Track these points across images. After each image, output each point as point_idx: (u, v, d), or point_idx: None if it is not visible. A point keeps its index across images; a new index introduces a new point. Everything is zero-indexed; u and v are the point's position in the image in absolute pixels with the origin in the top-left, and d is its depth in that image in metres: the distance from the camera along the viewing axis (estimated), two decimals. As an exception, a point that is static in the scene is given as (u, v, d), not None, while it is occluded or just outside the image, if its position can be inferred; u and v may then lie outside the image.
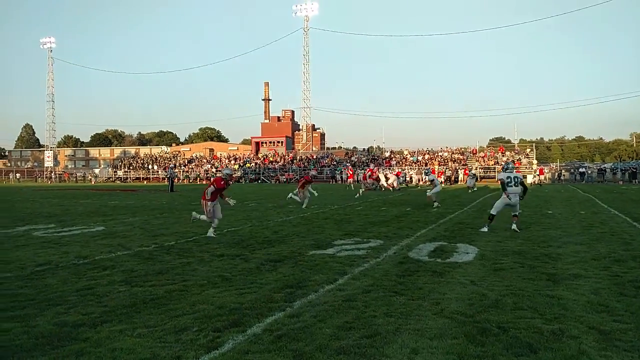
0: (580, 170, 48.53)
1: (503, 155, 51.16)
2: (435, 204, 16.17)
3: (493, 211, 10.35)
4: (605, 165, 61.83)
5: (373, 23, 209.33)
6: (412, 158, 54.37)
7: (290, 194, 17.86)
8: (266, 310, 4.70)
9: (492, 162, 49.43)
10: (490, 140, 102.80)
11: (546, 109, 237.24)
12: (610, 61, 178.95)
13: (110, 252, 7.93)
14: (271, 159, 62.35)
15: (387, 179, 31.41)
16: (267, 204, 18.99)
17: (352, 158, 58.31)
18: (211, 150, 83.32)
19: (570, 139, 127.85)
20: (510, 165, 10.79)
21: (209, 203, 9.48)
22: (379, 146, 69.22)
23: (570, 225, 11.38)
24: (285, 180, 52.74)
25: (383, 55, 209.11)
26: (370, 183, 28.75)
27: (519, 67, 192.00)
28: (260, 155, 66.35)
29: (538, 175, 42.63)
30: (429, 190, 17.12)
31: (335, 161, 57.40)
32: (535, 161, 50.26)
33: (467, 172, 40.85)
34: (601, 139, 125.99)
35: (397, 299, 5.08)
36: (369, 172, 26.89)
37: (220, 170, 11.32)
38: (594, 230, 10.21)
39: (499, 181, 10.57)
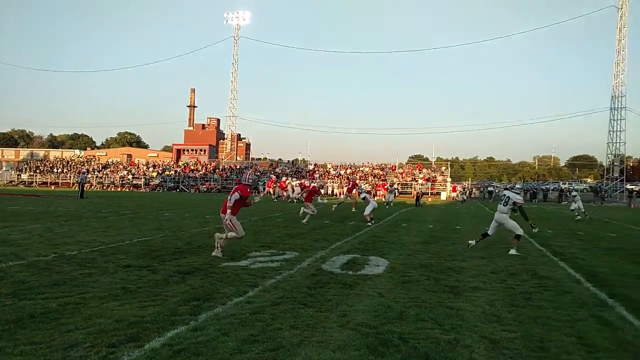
0: (489, 189, 51.83)
1: (420, 172, 53.47)
2: (371, 222, 15.61)
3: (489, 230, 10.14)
4: (511, 185, 66.51)
5: (305, 37, 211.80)
6: (334, 172, 55.32)
7: (303, 210, 15.93)
8: (169, 323, 4.52)
9: (410, 179, 51.46)
10: (409, 157, 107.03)
11: (462, 130, 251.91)
12: (519, 89, 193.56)
13: (0, 262, 7.27)
14: (192, 167, 60.71)
15: (293, 190, 31.27)
16: (184, 213, 18.43)
17: (277, 169, 58.24)
18: (129, 156, 79.60)
19: (482, 159, 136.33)
20: (516, 186, 10.83)
21: (232, 216, 8.33)
22: (304, 159, 69.78)
23: (476, 240, 12.04)
24: (205, 189, 51.53)
25: (313, 69, 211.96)
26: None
27: (439, 88, 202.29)
28: (180, 163, 64.38)
29: (464, 192, 44.54)
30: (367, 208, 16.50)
31: (259, 172, 57.03)
32: (449, 179, 53.00)
33: (385, 187, 42.16)
34: (509, 160, 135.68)
35: (305, 311, 5.10)
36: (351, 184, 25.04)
37: (242, 176, 9.24)
38: (496, 246, 10.87)
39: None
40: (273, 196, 31.27)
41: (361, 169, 56.11)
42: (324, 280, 6.59)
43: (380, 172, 54.21)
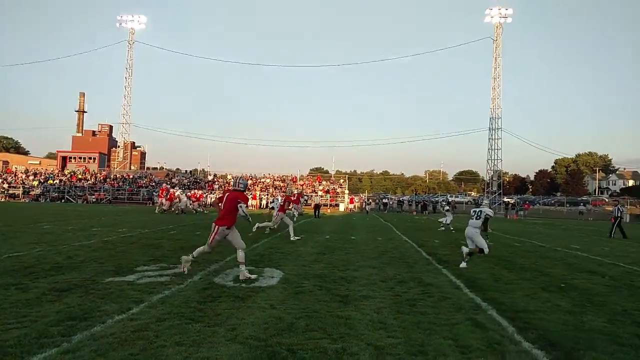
0: (384, 201, 54.18)
1: (320, 184, 54.53)
2: (268, 230, 15.89)
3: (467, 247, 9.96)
4: (404, 197, 70.27)
5: (205, 45, 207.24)
6: (235, 183, 54.55)
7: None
8: (36, 347, 4.11)
9: (310, 190, 52.24)
10: (310, 170, 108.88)
11: (360, 144, 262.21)
12: (412, 108, 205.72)
13: None
14: (80, 176, 56.44)
15: (179, 201, 29.98)
16: (66, 226, 17.00)
17: (173, 179, 56.06)
18: (5, 162, 72.07)
19: (378, 172, 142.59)
20: (484, 202, 10.94)
21: (223, 229, 7.56)
22: (203, 169, 68.00)
23: (369, 250, 12.49)
24: (95, 200, 48.12)
25: (215, 78, 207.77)
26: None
27: (341, 103, 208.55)
28: (67, 172, 59.56)
29: (369, 203, 45.30)
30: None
31: (154, 182, 54.51)
32: (347, 191, 54.66)
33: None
34: (402, 174, 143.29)
35: (193, 326, 4.91)
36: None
37: (235, 180, 8.02)
38: (387, 255, 11.36)
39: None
40: (163, 207, 29.66)
41: (262, 180, 55.93)
42: (215, 294, 6.41)
43: (282, 184, 54.43)
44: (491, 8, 57.88)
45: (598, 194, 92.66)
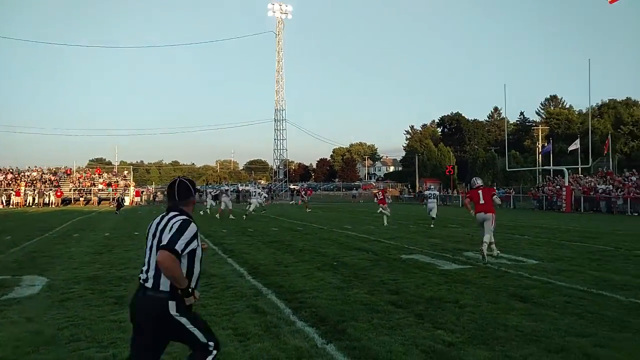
0: (174, 192, 52.48)
1: (100, 177, 49.91)
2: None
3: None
4: (200, 187, 69.13)
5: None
6: (-10, 177, 46.03)
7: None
8: None
9: (89, 184, 47.41)
10: (90, 161, 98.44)
11: (147, 133, 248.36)
12: (203, 96, 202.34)
13: None
14: None
15: None
16: None
17: None
18: None
19: (167, 163, 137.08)
20: (431, 186, 16.64)
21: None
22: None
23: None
24: None
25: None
26: None
27: (122, 88, 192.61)
28: None
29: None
30: None
31: None
32: (133, 183, 51.23)
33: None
34: (193, 164, 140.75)
35: None
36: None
37: (475, 180, 10.18)
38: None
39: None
40: None
41: (27, 173, 48.47)
42: (-50, 314, 5.28)
43: (53, 177, 48.06)
44: (273, 3, 60.27)
45: (367, 178, 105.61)
